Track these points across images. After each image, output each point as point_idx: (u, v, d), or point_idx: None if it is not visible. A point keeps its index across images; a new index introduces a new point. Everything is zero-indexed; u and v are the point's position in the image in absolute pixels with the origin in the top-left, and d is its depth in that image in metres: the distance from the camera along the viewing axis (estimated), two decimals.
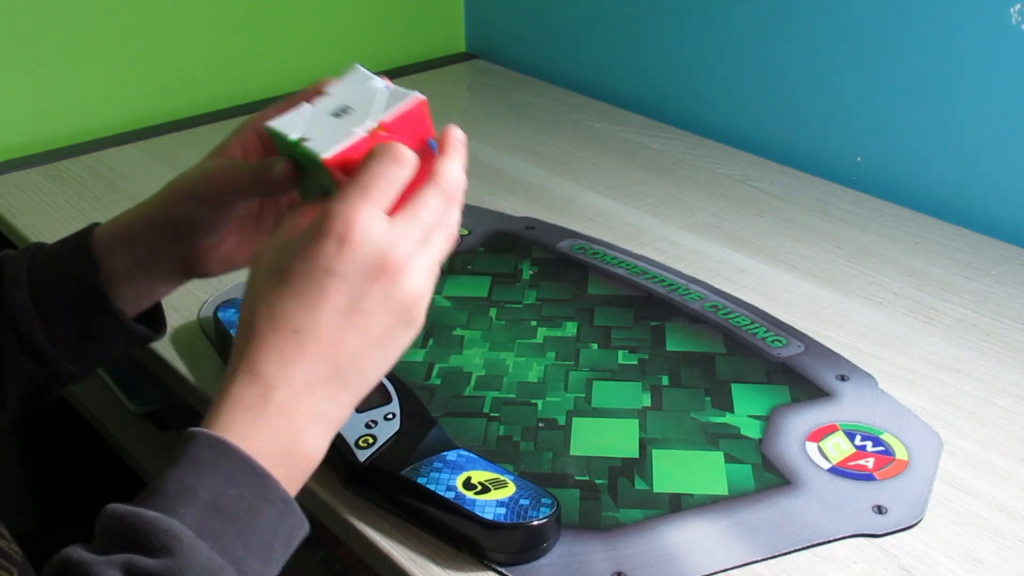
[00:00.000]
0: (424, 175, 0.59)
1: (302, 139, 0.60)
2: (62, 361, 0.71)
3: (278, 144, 0.63)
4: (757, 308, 0.92)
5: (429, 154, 0.60)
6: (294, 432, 0.55)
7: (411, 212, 0.57)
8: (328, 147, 0.59)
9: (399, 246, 0.56)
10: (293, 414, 0.55)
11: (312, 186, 0.62)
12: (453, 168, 0.59)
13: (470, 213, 1.09)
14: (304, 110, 0.62)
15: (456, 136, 0.61)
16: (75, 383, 0.75)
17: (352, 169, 0.58)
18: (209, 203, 0.68)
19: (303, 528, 0.55)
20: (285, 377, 0.55)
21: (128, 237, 0.71)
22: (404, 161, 0.57)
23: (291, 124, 0.62)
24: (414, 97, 0.61)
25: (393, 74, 1.51)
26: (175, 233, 0.70)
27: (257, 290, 0.57)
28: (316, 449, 0.56)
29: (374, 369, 0.58)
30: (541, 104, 1.40)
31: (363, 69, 0.64)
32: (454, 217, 0.60)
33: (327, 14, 1.48)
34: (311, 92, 0.65)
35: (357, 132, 0.59)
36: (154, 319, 0.76)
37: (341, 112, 0.62)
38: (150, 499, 0.52)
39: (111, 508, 0.51)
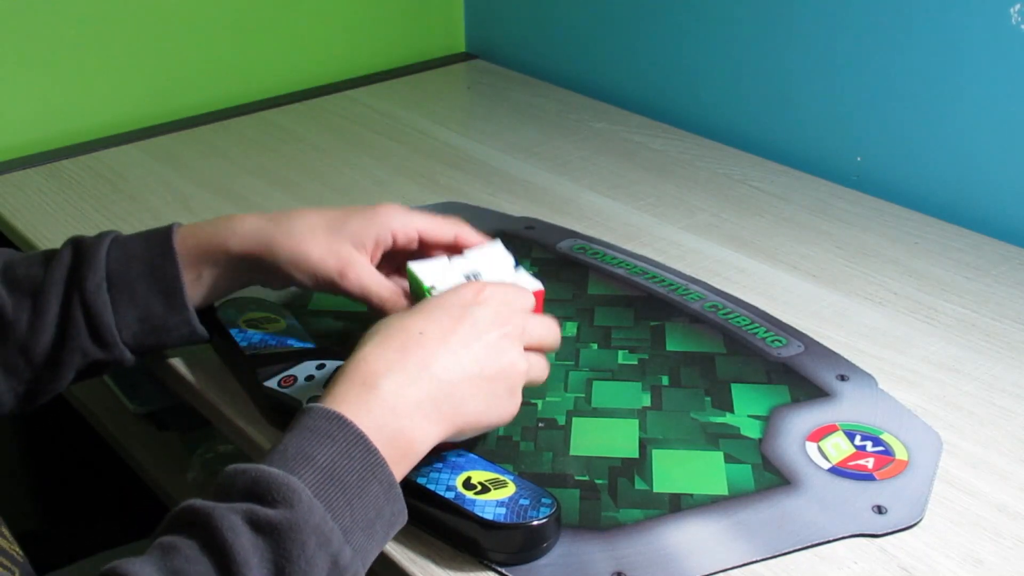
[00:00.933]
0: None
1: (432, 288, 0.72)
2: (124, 348, 0.75)
3: (411, 280, 0.75)
4: (757, 308, 0.92)
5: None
6: (400, 414, 0.60)
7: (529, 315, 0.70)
8: None
9: (518, 317, 0.67)
10: (400, 398, 0.60)
11: None
12: (555, 326, 0.71)
13: (470, 213, 1.09)
14: (442, 262, 0.75)
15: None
16: (128, 367, 0.79)
17: None
18: (325, 287, 0.76)
19: (403, 516, 0.60)
20: (400, 363, 0.61)
21: (212, 258, 0.77)
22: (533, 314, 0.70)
23: (428, 272, 0.74)
24: (534, 286, 0.72)
25: (393, 74, 1.52)
26: (265, 271, 0.77)
27: (390, 318, 0.66)
28: (418, 439, 0.61)
29: (475, 407, 0.64)
30: (541, 104, 1.40)
31: (502, 246, 0.77)
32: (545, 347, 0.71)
33: (327, 14, 1.48)
34: (455, 247, 0.78)
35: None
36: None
37: (471, 276, 0.73)
38: (270, 458, 0.56)
39: (233, 466, 0.55)
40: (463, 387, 0.63)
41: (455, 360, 0.63)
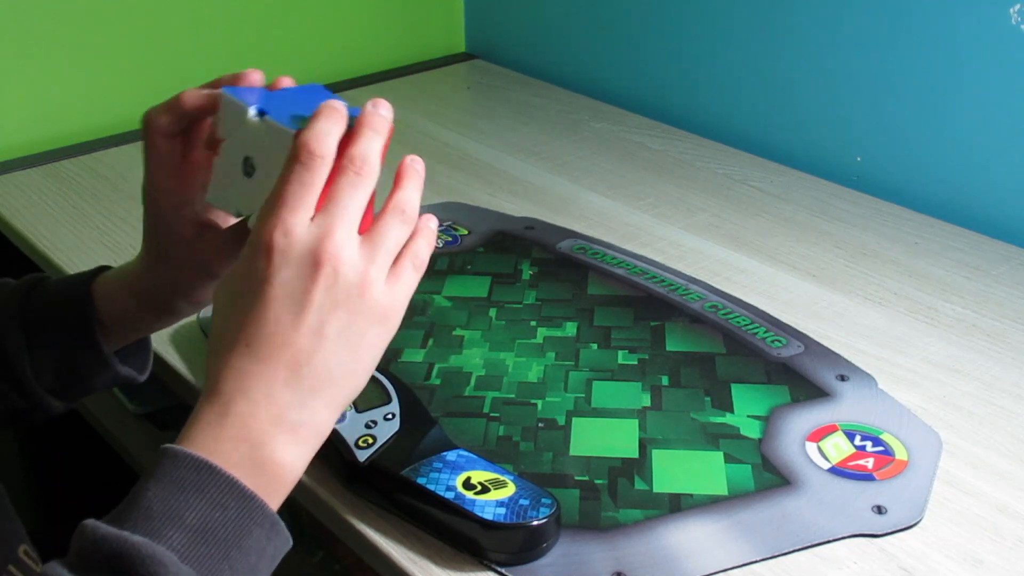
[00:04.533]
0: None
1: (239, 213, 0.63)
2: (44, 395, 0.72)
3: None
4: (757, 308, 0.92)
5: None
6: (255, 442, 0.54)
7: (329, 202, 0.56)
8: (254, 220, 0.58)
9: (328, 235, 0.55)
10: (252, 423, 0.54)
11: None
12: (365, 147, 0.57)
13: (470, 213, 1.09)
14: (219, 170, 0.63)
15: (412, 165, 0.60)
16: (57, 414, 0.75)
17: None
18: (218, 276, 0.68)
19: (287, 545, 0.55)
20: (242, 390, 0.54)
21: (128, 315, 0.72)
22: (311, 162, 0.55)
23: (220, 194, 0.63)
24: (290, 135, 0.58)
25: (393, 74, 1.52)
26: (181, 309, 0.72)
27: (214, 321, 0.57)
28: (289, 458, 0.55)
29: (344, 369, 0.56)
30: (541, 104, 1.40)
31: (230, 94, 0.63)
32: (411, 202, 0.59)
33: (327, 14, 1.48)
34: (211, 99, 0.65)
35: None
36: (141, 354, 0.77)
37: (248, 167, 0.61)
38: (135, 521, 0.51)
39: (92, 528, 0.50)
40: (320, 370, 0.55)
41: (295, 352, 0.55)
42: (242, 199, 0.62)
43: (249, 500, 0.52)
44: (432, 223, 0.60)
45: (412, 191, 0.59)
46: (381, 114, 0.58)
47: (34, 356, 0.71)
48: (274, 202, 0.55)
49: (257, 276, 0.55)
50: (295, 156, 0.55)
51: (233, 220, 0.68)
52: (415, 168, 0.60)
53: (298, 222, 0.55)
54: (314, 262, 0.54)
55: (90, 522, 0.51)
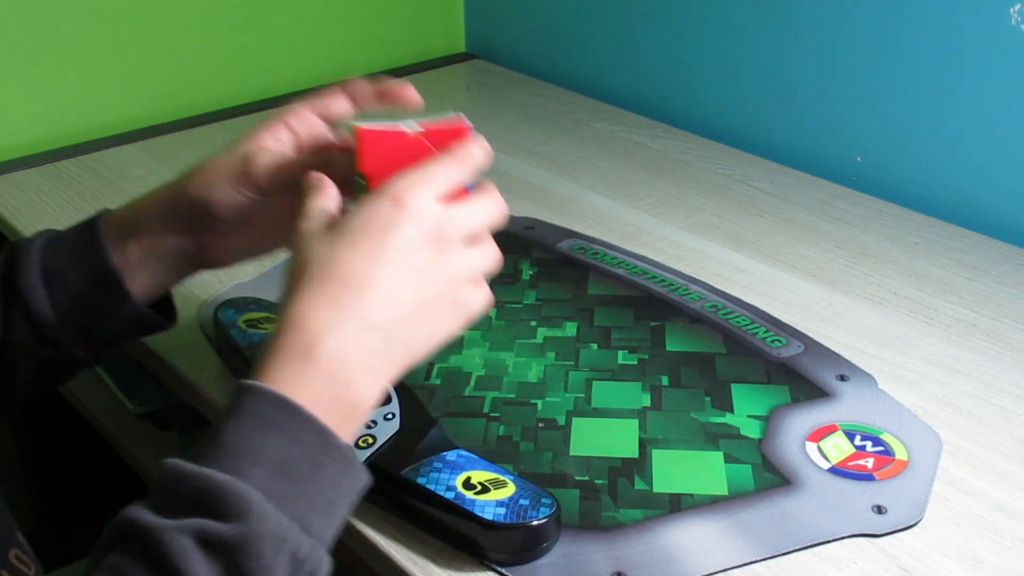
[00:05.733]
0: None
1: (354, 122, 0.64)
2: (73, 345, 0.71)
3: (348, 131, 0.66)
4: (757, 308, 0.92)
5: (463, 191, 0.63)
6: (344, 380, 0.55)
7: (461, 204, 0.61)
8: (367, 125, 0.62)
9: (449, 221, 0.59)
10: (345, 361, 0.55)
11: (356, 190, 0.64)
12: (495, 192, 0.63)
13: None
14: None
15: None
16: (87, 368, 0.75)
17: (377, 153, 0.62)
18: (248, 187, 0.68)
19: (363, 479, 0.56)
20: (337, 323, 0.55)
21: (134, 225, 0.71)
22: (464, 166, 0.61)
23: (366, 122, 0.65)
24: (460, 120, 0.64)
25: (393, 74, 1.51)
26: (186, 220, 0.70)
27: (308, 247, 0.58)
28: (366, 400, 0.56)
29: (421, 336, 0.59)
30: (541, 104, 1.40)
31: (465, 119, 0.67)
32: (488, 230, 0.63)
33: (327, 14, 1.48)
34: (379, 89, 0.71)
35: (400, 126, 0.62)
36: (165, 310, 0.76)
37: (404, 120, 0.65)
38: (216, 457, 0.52)
39: (174, 465, 0.51)
40: (406, 325, 0.58)
41: (394, 299, 0.57)
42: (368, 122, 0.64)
43: (324, 436, 0.53)
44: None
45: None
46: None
47: (56, 302, 0.70)
48: (416, 172, 0.59)
49: (380, 221, 0.57)
50: (461, 150, 0.62)
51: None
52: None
53: (429, 196, 0.59)
54: (433, 234, 0.58)
55: (172, 460, 0.52)
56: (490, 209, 0.62)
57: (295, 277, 0.58)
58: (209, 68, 1.39)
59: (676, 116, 1.34)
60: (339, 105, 0.72)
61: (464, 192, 0.62)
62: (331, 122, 0.73)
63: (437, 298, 0.59)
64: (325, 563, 0.53)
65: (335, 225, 0.59)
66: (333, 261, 0.57)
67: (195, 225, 0.70)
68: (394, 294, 0.57)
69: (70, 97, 1.30)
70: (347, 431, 0.55)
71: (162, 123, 1.35)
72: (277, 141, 0.70)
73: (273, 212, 0.70)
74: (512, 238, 1.04)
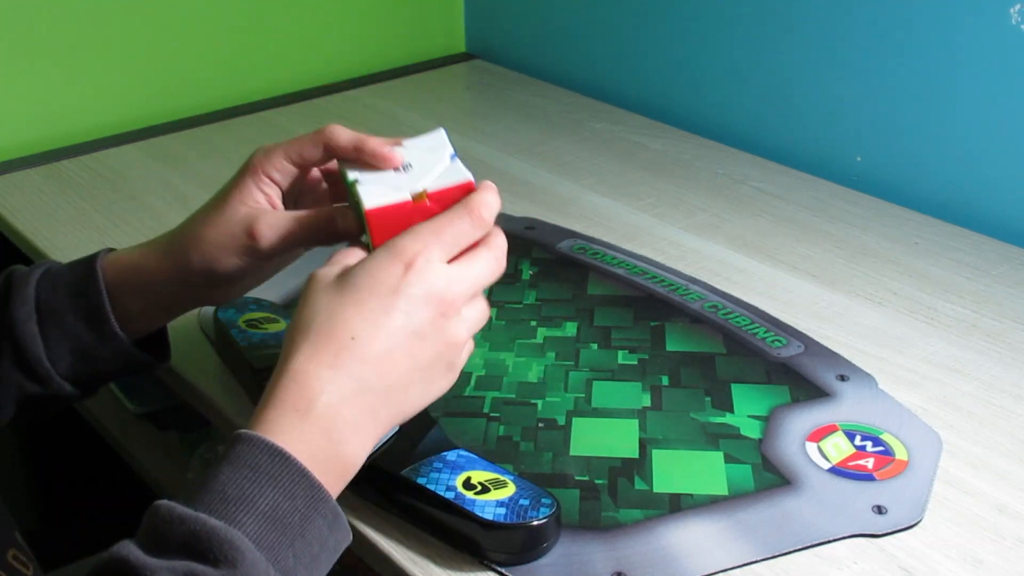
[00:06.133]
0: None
1: (356, 182, 0.64)
2: (62, 383, 0.71)
3: (343, 181, 0.66)
4: (757, 308, 0.92)
5: None
6: (337, 439, 0.56)
7: (466, 262, 0.60)
8: (373, 199, 0.62)
9: (455, 285, 0.59)
10: (340, 420, 0.56)
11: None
12: (502, 239, 0.63)
13: None
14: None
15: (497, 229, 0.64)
16: (76, 402, 0.75)
17: (386, 227, 0.61)
18: (255, 255, 0.68)
19: (348, 539, 0.57)
20: (335, 382, 0.56)
21: (136, 278, 0.70)
22: (479, 223, 0.61)
23: (356, 167, 0.66)
24: (464, 177, 0.63)
25: (393, 74, 1.52)
26: (190, 282, 0.70)
27: (316, 299, 0.59)
28: (355, 458, 0.57)
29: (414, 398, 0.59)
30: (541, 104, 1.40)
31: (444, 135, 0.67)
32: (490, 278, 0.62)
33: (327, 14, 1.48)
34: (391, 141, 0.67)
35: (403, 194, 0.62)
36: (158, 345, 0.76)
37: (404, 168, 0.65)
38: (210, 503, 0.52)
39: (168, 508, 0.51)
40: (400, 388, 0.58)
41: (392, 364, 0.58)
42: (374, 178, 0.64)
43: (316, 490, 0.54)
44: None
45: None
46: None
47: (48, 339, 0.70)
48: (430, 231, 0.59)
49: (388, 283, 0.58)
50: (468, 211, 0.61)
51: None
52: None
53: (440, 258, 0.59)
54: (439, 299, 0.59)
55: (164, 503, 0.52)
56: (493, 268, 0.62)
57: (299, 328, 0.58)
58: (209, 68, 1.39)
59: (676, 116, 1.34)
60: (314, 154, 0.69)
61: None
62: (320, 169, 0.72)
63: (434, 362, 0.59)
64: None
65: (343, 279, 0.59)
66: (337, 318, 0.58)
67: (200, 285, 0.70)
68: (393, 358, 0.58)
69: (70, 97, 1.30)
70: (336, 488, 0.56)
71: (162, 123, 1.35)
72: (268, 196, 0.69)
73: (278, 263, 0.72)
74: (512, 238, 1.04)
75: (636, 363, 0.85)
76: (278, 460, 0.53)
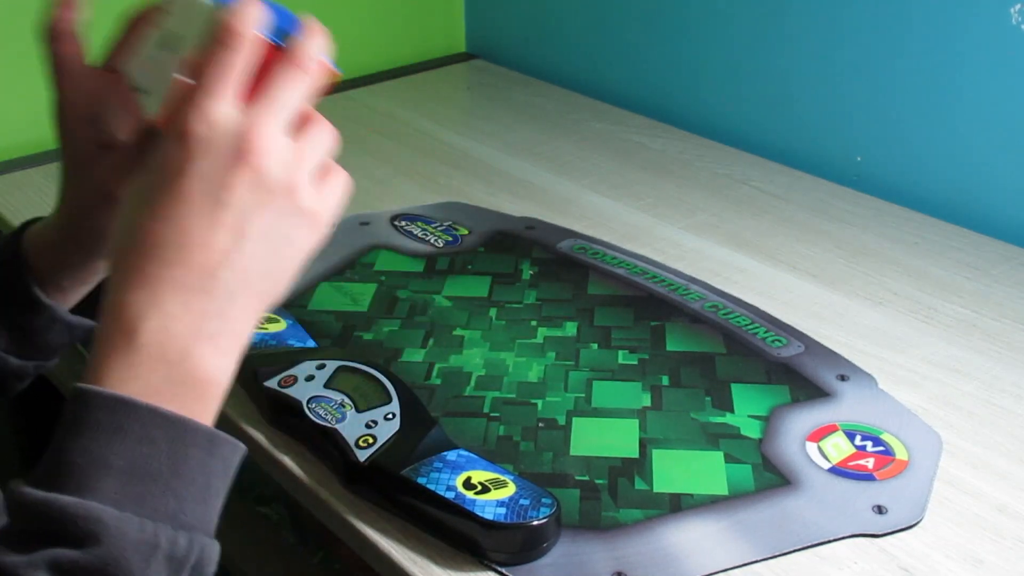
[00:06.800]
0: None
1: (136, 88, 0.57)
2: (5, 356, 0.69)
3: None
4: (757, 308, 0.92)
5: (275, 50, 0.53)
6: (174, 359, 0.49)
7: (263, 92, 0.52)
8: (154, 103, 0.55)
9: (256, 126, 0.50)
10: (169, 340, 0.49)
11: None
12: (309, 45, 0.53)
13: (470, 213, 1.09)
14: (147, 41, 0.57)
15: (315, 25, 0.55)
16: (33, 376, 0.73)
17: None
18: (121, 153, 0.64)
19: (239, 451, 0.51)
20: (153, 302, 0.49)
21: (60, 259, 0.69)
22: (235, 43, 0.51)
23: (134, 65, 0.57)
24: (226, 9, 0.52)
25: (393, 74, 1.52)
26: (103, 247, 0.68)
27: (117, 228, 0.52)
28: (214, 370, 0.50)
29: (266, 274, 0.52)
30: (541, 104, 1.40)
31: None
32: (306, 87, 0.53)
33: (327, 14, 1.47)
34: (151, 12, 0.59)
35: (171, 77, 0.53)
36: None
37: (171, 41, 0.55)
38: (59, 479, 0.47)
39: (19, 491, 0.47)
40: (239, 273, 0.51)
41: (211, 254, 0.50)
42: (155, 73, 0.56)
43: (177, 425, 0.48)
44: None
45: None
46: (317, 41, 0.54)
47: None
48: (193, 87, 0.50)
49: (170, 167, 0.50)
50: (216, 37, 0.51)
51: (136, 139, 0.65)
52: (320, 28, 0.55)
53: (219, 108, 0.50)
54: (237, 153, 0.50)
55: (14, 486, 0.47)
56: (298, 81, 0.52)
57: (110, 255, 0.52)
58: None
59: (676, 116, 1.34)
60: (69, 22, 0.63)
61: (274, 52, 0.53)
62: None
63: (271, 223, 0.51)
64: (210, 549, 0.49)
65: (134, 186, 0.52)
66: (136, 230, 0.50)
67: (104, 252, 0.67)
68: (209, 247, 0.50)
69: None
70: (203, 410, 0.50)
71: None
72: (94, 140, 0.64)
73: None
74: (512, 238, 1.04)
75: (636, 363, 0.85)
76: (119, 408, 0.48)
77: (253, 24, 0.52)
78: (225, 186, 0.50)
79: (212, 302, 0.50)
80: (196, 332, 0.50)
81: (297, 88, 0.52)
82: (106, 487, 0.47)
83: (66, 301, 0.71)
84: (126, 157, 0.64)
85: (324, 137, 0.54)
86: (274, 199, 0.51)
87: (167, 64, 0.54)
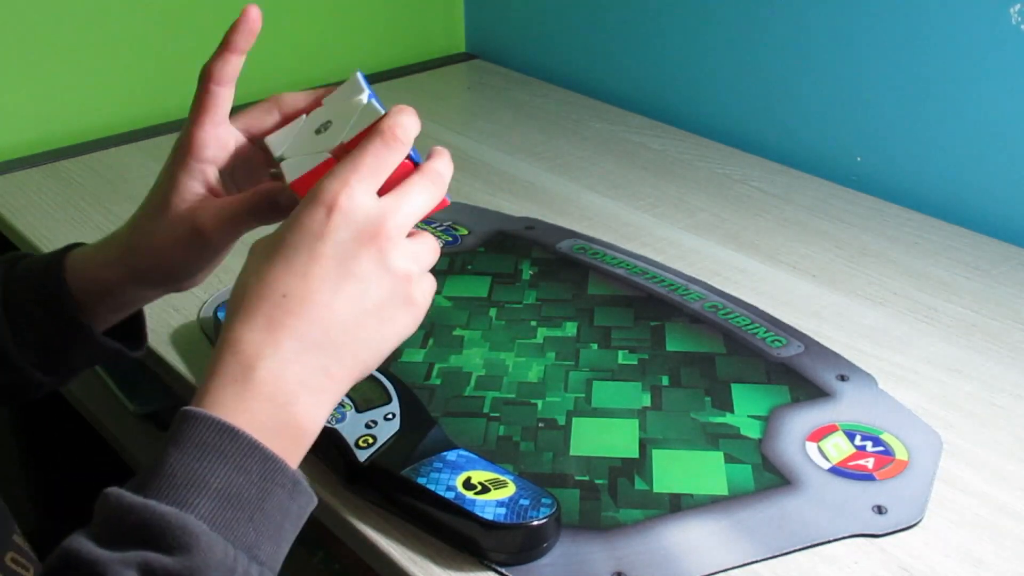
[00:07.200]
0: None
1: (282, 157, 0.62)
2: (32, 370, 0.71)
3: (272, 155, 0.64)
4: (757, 308, 0.92)
5: (407, 165, 0.59)
6: (283, 403, 0.54)
7: (398, 191, 0.58)
8: (296, 170, 0.61)
9: (390, 216, 0.56)
10: (281, 383, 0.54)
11: None
12: (440, 164, 0.60)
13: (470, 213, 1.09)
14: (296, 124, 0.64)
15: (442, 149, 0.62)
16: (49, 391, 0.74)
17: None
18: (203, 247, 0.66)
19: (312, 503, 0.55)
20: (272, 344, 0.54)
21: (100, 289, 0.69)
22: (394, 143, 0.57)
23: (280, 140, 0.64)
24: (378, 114, 0.60)
25: (393, 74, 1.52)
26: (157, 282, 0.69)
27: (248, 265, 0.57)
28: (311, 421, 0.55)
29: (370, 344, 0.57)
30: (541, 104, 1.40)
31: (360, 78, 0.65)
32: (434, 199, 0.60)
33: (327, 15, 1.48)
34: (313, 102, 0.65)
35: (324, 155, 0.60)
36: (134, 330, 0.75)
37: (323, 128, 0.63)
38: (160, 489, 0.50)
39: (117, 496, 0.50)
40: (350, 337, 0.56)
41: (331, 314, 0.55)
42: (298, 146, 0.63)
43: (271, 462, 0.52)
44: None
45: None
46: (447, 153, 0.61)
47: (16, 330, 0.69)
48: (347, 167, 0.57)
49: (312, 231, 0.55)
50: (380, 134, 0.57)
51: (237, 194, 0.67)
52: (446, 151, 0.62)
53: (365, 192, 0.56)
54: (371, 234, 0.56)
55: (114, 491, 0.50)
56: (431, 193, 0.59)
57: (233, 297, 0.57)
58: None
59: (676, 116, 1.34)
60: (268, 123, 0.68)
61: (410, 167, 0.59)
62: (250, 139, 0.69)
63: (385, 301, 0.57)
64: None
65: (271, 238, 0.57)
66: (267, 279, 0.55)
67: (159, 282, 0.69)
68: (333, 308, 0.55)
69: (70, 97, 1.30)
70: (293, 454, 0.54)
71: (162, 123, 1.35)
72: (205, 181, 0.67)
73: (233, 243, 0.69)
74: (512, 238, 1.04)
75: (636, 363, 0.85)
76: (225, 435, 0.51)
77: (412, 135, 0.58)
78: (355, 257, 0.56)
79: (323, 358, 0.55)
80: (305, 382, 0.54)
81: (426, 198, 0.59)
82: (202, 505, 0.50)
83: (99, 326, 0.71)
84: (230, 205, 0.66)
85: (434, 247, 0.60)
86: (392, 282, 0.57)
87: (317, 144, 0.62)
